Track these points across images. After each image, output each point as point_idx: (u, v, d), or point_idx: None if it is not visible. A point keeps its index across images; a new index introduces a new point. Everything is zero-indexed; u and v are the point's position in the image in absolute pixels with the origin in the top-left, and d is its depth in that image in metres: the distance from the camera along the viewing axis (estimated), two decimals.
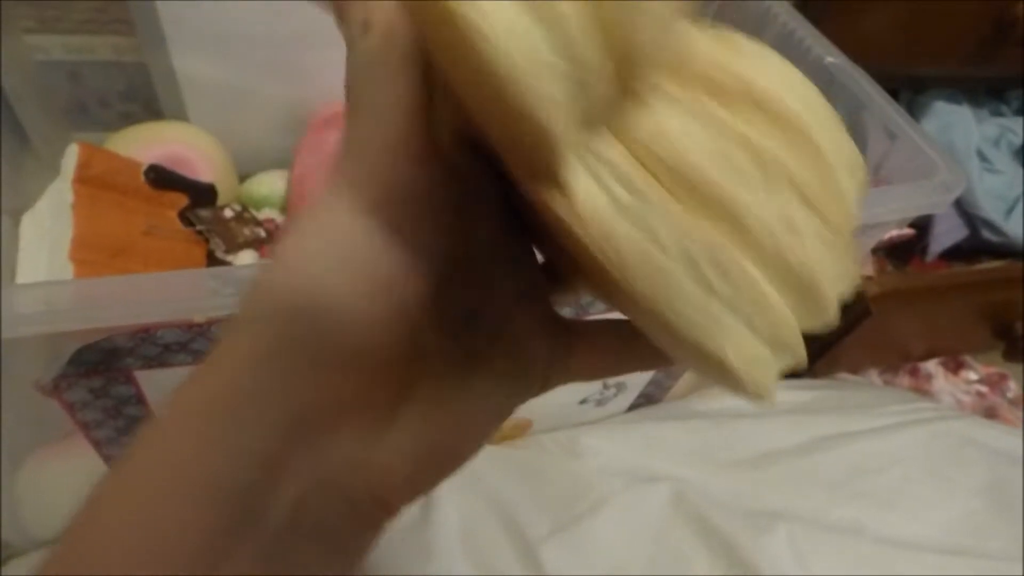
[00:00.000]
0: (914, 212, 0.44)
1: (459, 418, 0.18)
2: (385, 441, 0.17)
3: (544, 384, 0.20)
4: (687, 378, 0.58)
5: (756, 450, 0.54)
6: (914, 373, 0.77)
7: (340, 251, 0.15)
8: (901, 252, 0.80)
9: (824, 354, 0.71)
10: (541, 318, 0.19)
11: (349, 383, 0.16)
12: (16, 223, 0.50)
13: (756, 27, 0.56)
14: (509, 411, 0.19)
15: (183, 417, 0.16)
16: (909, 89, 0.78)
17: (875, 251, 0.77)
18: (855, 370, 0.78)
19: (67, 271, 0.43)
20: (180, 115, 0.67)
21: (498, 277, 0.18)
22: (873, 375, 0.77)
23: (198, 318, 0.34)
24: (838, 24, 0.58)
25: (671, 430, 0.55)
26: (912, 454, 0.55)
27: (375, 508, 0.18)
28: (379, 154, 0.16)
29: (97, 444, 0.40)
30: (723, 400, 0.59)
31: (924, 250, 0.79)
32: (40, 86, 0.63)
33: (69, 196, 0.47)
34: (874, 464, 0.54)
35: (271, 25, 0.63)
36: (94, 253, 0.46)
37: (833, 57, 0.52)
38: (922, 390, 0.77)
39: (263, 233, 0.58)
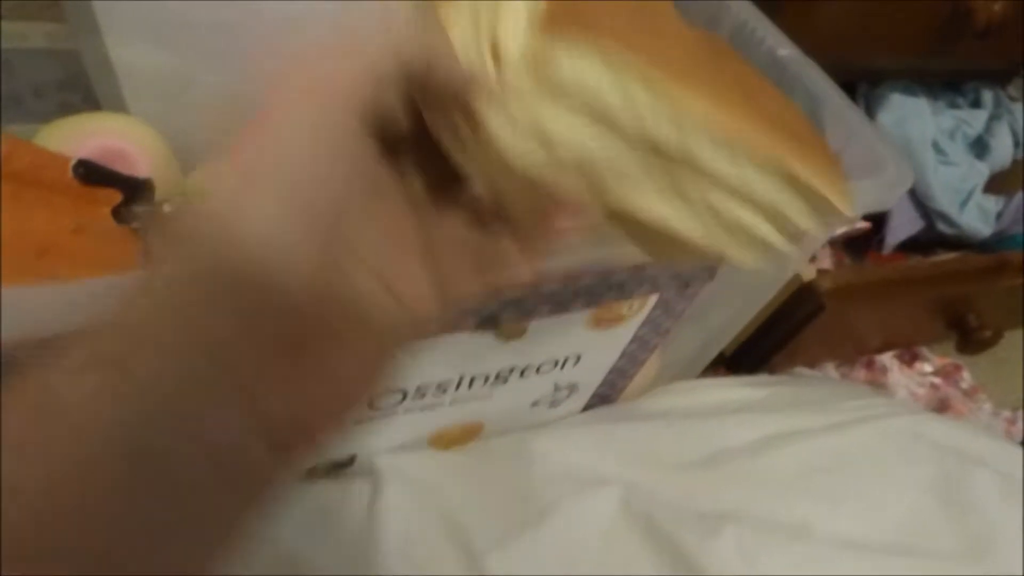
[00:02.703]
0: (861, 209, 0.44)
1: (369, 352, 0.20)
2: (309, 373, 0.18)
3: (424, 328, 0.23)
4: (640, 379, 0.57)
5: (707, 450, 0.54)
6: (870, 366, 0.78)
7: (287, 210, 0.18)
8: (858, 245, 0.80)
9: (780, 349, 0.71)
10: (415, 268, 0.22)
11: (276, 326, 0.18)
12: None
13: (710, 19, 0.54)
14: (403, 343, 0.22)
15: (93, 363, 0.16)
16: (866, 81, 0.78)
17: (832, 244, 0.77)
18: (812, 364, 0.78)
19: None
20: (119, 106, 0.64)
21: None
22: (830, 369, 0.78)
23: None
24: (794, 16, 0.57)
25: (622, 431, 0.55)
26: (862, 452, 0.55)
27: (295, 436, 0.19)
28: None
29: None
30: (677, 399, 0.59)
31: (881, 242, 0.79)
32: None
33: None
34: (825, 462, 0.54)
35: (212, 11, 0.60)
36: (17, 254, 0.44)
37: (786, 50, 0.51)
38: (878, 383, 0.78)
39: None
